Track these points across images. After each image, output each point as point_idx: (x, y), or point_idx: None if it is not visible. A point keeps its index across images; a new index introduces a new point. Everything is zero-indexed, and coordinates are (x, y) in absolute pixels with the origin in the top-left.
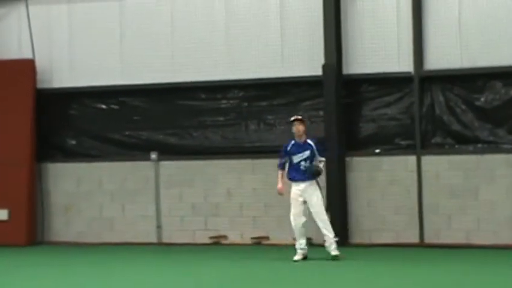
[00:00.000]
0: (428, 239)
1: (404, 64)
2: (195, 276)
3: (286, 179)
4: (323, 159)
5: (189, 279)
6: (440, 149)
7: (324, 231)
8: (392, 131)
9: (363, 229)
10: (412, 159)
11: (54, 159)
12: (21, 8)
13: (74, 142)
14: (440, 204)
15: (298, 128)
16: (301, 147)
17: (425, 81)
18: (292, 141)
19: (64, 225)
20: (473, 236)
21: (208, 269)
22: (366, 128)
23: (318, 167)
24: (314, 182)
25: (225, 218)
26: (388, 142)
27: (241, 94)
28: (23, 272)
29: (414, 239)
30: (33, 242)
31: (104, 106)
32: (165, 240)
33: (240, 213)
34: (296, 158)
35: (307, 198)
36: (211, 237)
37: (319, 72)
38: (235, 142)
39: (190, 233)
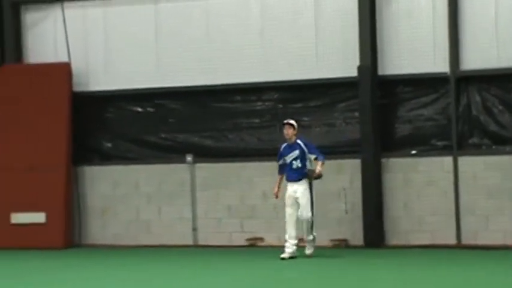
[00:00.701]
0: (465, 240)
1: (440, 64)
2: (232, 279)
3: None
4: (313, 156)
5: (226, 282)
6: (477, 150)
7: (304, 230)
8: (429, 132)
9: (400, 230)
10: (449, 160)
11: (90, 162)
12: (57, 11)
13: (110, 145)
14: (477, 205)
15: (287, 132)
16: (291, 147)
17: (461, 82)
18: (285, 144)
19: (101, 228)
20: (510, 237)
21: (244, 271)
22: (402, 129)
23: (309, 171)
24: (306, 183)
25: (261, 220)
26: (425, 143)
27: (276, 96)
28: (60, 275)
29: (451, 240)
30: (70, 245)
31: (139, 109)
32: (201, 242)
33: (276, 215)
34: (288, 158)
35: (298, 198)
36: (247, 240)
37: (354, 73)
38: (270, 144)
39: (227, 235)
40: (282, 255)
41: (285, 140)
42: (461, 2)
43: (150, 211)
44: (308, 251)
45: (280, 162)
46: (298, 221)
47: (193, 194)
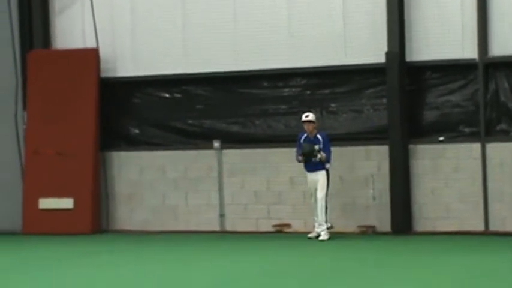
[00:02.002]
0: (493, 227)
1: (468, 51)
2: (259, 265)
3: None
4: (324, 154)
5: (253, 267)
6: (505, 136)
7: (319, 216)
8: (457, 118)
9: (427, 217)
10: (477, 146)
11: (117, 148)
12: None
13: (137, 131)
14: (505, 191)
15: (308, 128)
16: (311, 141)
17: (489, 68)
18: (305, 134)
19: (128, 213)
20: None
21: (271, 257)
22: (430, 116)
23: (314, 151)
24: (324, 172)
25: (288, 206)
26: (452, 129)
27: (303, 82)
28: (88, 261)
29: (479, 227)
30: (98, 231)
31: (167, 95)
32: (228, 228)
33: (303, 201)
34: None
35: (316, 185)
36: (274, 226)
37: (382, 59)
38: (297, 130)
39: (253, 221)
40: (310, 235)
41: (303, 129)
42: None
43: (176, 197)
44: (321, 237)
45: (300, 152)
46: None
47: (220, 180)
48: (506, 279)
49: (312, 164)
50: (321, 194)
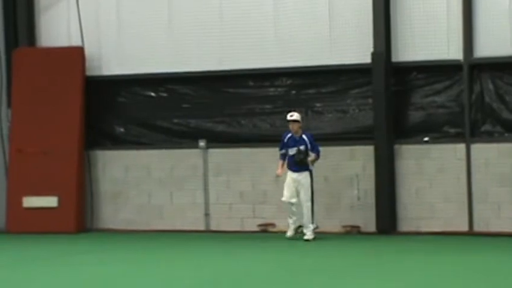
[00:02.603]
0: (477, 228)
1: (453, 52)
2: (243, 264)
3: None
4: (313, 155)
5: (238, 267)
6: (490, 137)
7: (305, 217)
8: (442, 119)
9: (411, 217)
10: (461, 147)
11: (102, 146)
12: None
13: (122, 130)
14: (489, 192)
15: (293, 127)
16: (297, 142)
17: (474, 69)
18: (290, 134)
19: (113, 212)
20: None
21: (256, 256)
22: (415, 116)
23: (305, 158)
24: (308, 173)
25: (273, 206)
26: (437, 130)
27: (289, 82)
28: (72, 259)
29: (463, 227)
30: (82, 229)
31: (152, 94)
32: (213, 227)
33: None
34: (291, 151)
35: (299, 188)
36: (259, 225)
37: (368, 60)
38: (283, 130)
39: (238, 221)
40: (288, 234)
41: (288, 129)
42: None
43: (162, 196)
44: (306, 237)
45: (283, 151)
46: (296, 206)
47: (205, 179)
48: (490, 279)
49: (295, 164)
50: (306, 196)
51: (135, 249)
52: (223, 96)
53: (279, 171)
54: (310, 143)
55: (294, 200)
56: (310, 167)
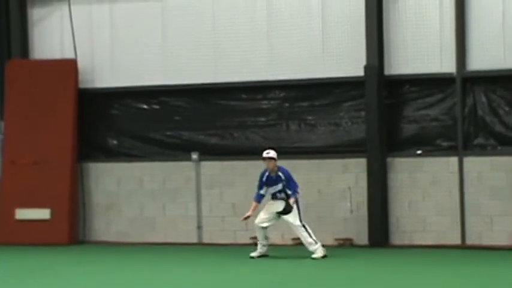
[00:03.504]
0: (470, 241)
1: (446, 65)
2: (236, 276)
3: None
4: (292, 199)
5: (230, 279)
6: (483, 150)
7: (304, 241)
8: (434, 132)
9: (404, 230)
10: (454, 160)
11: (95, 159)
12: (64, 8)
13: (115, 142)
14: (482, 205)
15: (269, 165)
16: (274, 180)
17: (467, 82)
18: (266, 173)
19: (105, 224)
20: None
21: (248, 269)
22: (408, 129)
23: (288, 206)
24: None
25: None
26: (430, 143)
27: (282, 94)
28: (65, 271)
29: (456, 240)
30: (75, 241)
31: (145, 106)
32: (206, 240)
33: None
34: (271, 190)
35: (284, 216)
36: (251, 238)
37: (360, 73)
38: (276, 142)
39: (231, 233)
40: (252, 254)
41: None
42: (468, 2)
43: (154, 208)
44: (315, 255)
45: (262, 191)
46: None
47: (198, 191)
48: None
49: (278, 198)
50: (296, 221)
51: (127, 261)
52: (216, 109)
53: (250, 213)
54: (287, 180)
55: (265, 225)
56: (291, 200)
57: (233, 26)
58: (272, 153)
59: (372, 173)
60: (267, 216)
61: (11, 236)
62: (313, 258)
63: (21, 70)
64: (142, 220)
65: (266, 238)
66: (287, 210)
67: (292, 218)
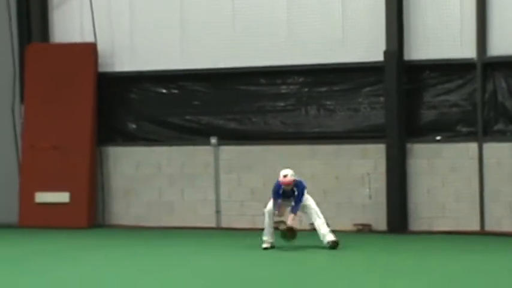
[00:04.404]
0: (489, 227)
1: (466, 50)
2: (253, 261)
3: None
4: (291, 216)
5: (247, 264)
6: (503, 136)
7: (322, 231)
8: (454, 118)
9: (423, 216)
10: (474, 146)
11: (114, 143)
12: None
13: (134, 126)
14: (501, 191)
15: (288, 186)
16: (288, 195)
17: (488, 68)
18: (282, 187)
19: (124, 208)
20: None
21: (268, 253)
22: (427, 115)
23: (279, 223)
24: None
25: None
26: (450, 129)
27: (301, 79)
28: (83, 254)
29: (475, 226)
30: (94, 225)
31: (164, 90)
32: (224, 225)
33: None
34: (284, 203)
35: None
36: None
37: (380, 58)
38: (294, 128)
39: (250, 218)
40: (264, 246)
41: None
42: None
43: (173, 193)
44: (330, 238)
45: (278, 201)
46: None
47: (216, 176)
48: (502, 279)
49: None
50: (320, 219)
51: (145, 245)
52: (235, 94)
53: (279, 211)
54: (298, 195)
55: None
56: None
57: (252, 10)
58: (289, 175)
59: (391, 159)
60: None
61: (30, 219)
62: (330, 242)
63: (41, 54)
64: (161, 204)
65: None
66: (288, 237)
67: (315, 213)
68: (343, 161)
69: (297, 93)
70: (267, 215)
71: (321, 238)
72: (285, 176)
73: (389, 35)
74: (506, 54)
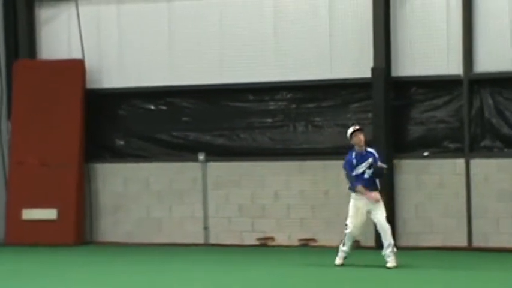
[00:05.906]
0: (476, 243)
1: (453, 67)
2: (242, 278)
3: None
4: (384, 166)
5: (236, 281)
6: (489, 152)
7: (384, 241)
8: (441, 134)
9: (411, 232)
10: (461, 162)
11: (102, 159)
12: (71, 8)
13: (122, 142)
14: (488, 207)
15: (360, 138)
16: (363, 156)
17: (474, 84)
18: (353, 153)
19: (112, 225)
20: None
21: (255, 270)
22: (415, 131)
23: (382, 168)
24: (378, 192)
25: (272, 220)
26: (437, 145)
27: (289, 96)
28: (71, 271)
29: (462, 242)
30: (82, 242)
31: (152, 107)
32: (212, 241)
33: (287, 215)
34: (361, 168)
35: (373, 209)
36: (258, 239)
37: (367, 74)
38: (282, 144)
39: (237, 234)
40: (337, 261)
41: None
42: (475, 5)
43: (161, 209)
44: (390, 264)
45: (354, 173)
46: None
47: (204, 192)
48: None
49: (364, 182)
50: (383, 215)
51: (133, 262)
52: (223, 110)
53: (372, 194)
54: (378, 156)
55: (360, 232)
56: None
57: (240, 27)
58: (359, 127)
59: None
60: (359, 219)
61: (18, 236)
62: (389, 268)
63: (28, 70)
64: (149, 221)
65: (351, 240)
66: (377, 173)
67: (381, 209)
68: (332, 177)
69: (285, 109)
70: (350, 226)
71: None
72: (354, 125)
73: (377, 52)
74: (492, 70)
